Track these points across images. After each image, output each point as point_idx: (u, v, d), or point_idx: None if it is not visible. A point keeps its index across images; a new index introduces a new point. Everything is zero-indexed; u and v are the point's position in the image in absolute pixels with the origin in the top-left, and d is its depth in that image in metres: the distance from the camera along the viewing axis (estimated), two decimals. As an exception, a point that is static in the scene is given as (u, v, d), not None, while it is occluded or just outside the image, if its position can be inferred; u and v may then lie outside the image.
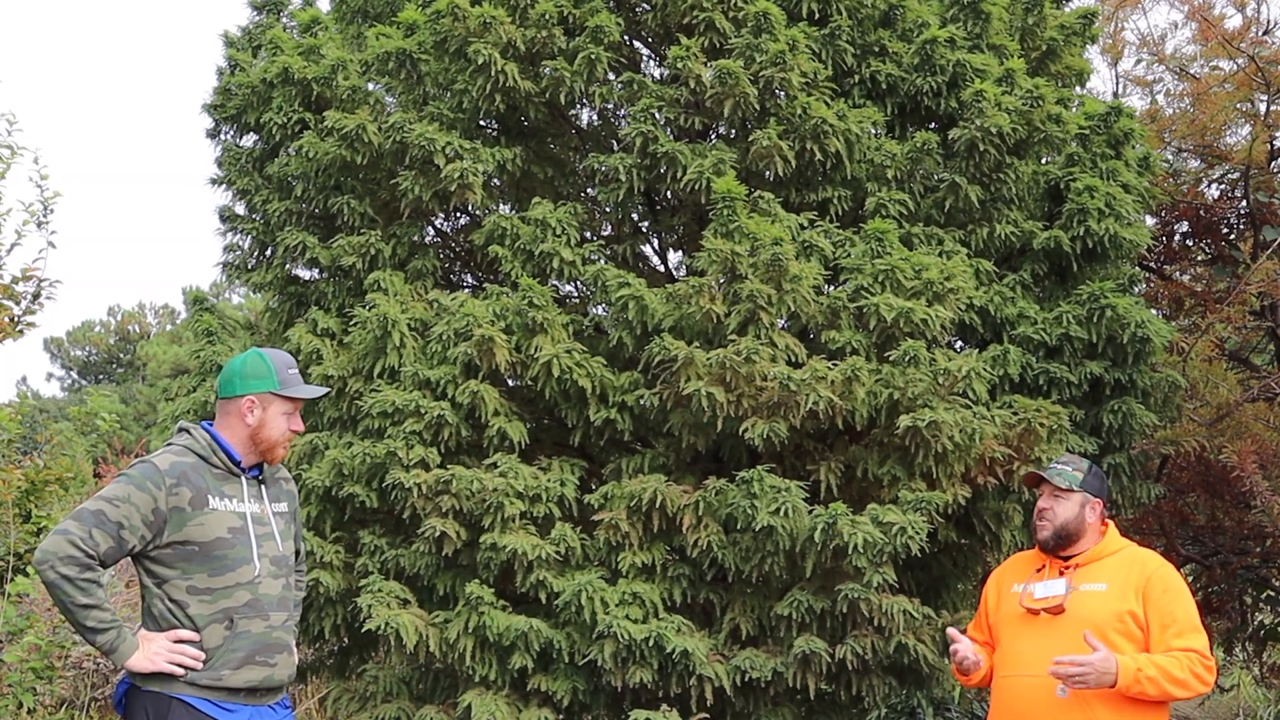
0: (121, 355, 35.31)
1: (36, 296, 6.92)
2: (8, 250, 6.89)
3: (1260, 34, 7.92)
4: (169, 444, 3.37)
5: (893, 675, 5.74)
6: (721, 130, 6.30)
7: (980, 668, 3.96)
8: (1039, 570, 3.96)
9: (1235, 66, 7.59)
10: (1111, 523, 4.05)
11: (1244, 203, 7.72)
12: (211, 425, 3.43)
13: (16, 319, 6.82)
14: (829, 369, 5.32)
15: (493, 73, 5.86)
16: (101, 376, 35.65)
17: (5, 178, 6.97)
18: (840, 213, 6.04)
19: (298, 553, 3.71)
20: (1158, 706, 3.75)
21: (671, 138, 5.99)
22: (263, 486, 3.47)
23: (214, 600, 3.27)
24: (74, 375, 36.47)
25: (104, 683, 8.35)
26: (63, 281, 7.03)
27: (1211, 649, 8.42)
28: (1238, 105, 7.70)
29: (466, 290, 6.65)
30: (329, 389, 3.69)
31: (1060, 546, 3.92)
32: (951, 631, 4.05)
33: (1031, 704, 3.76)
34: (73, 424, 7.01)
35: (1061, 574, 3.90)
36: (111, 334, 35.70)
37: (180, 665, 3.25)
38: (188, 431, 3.40)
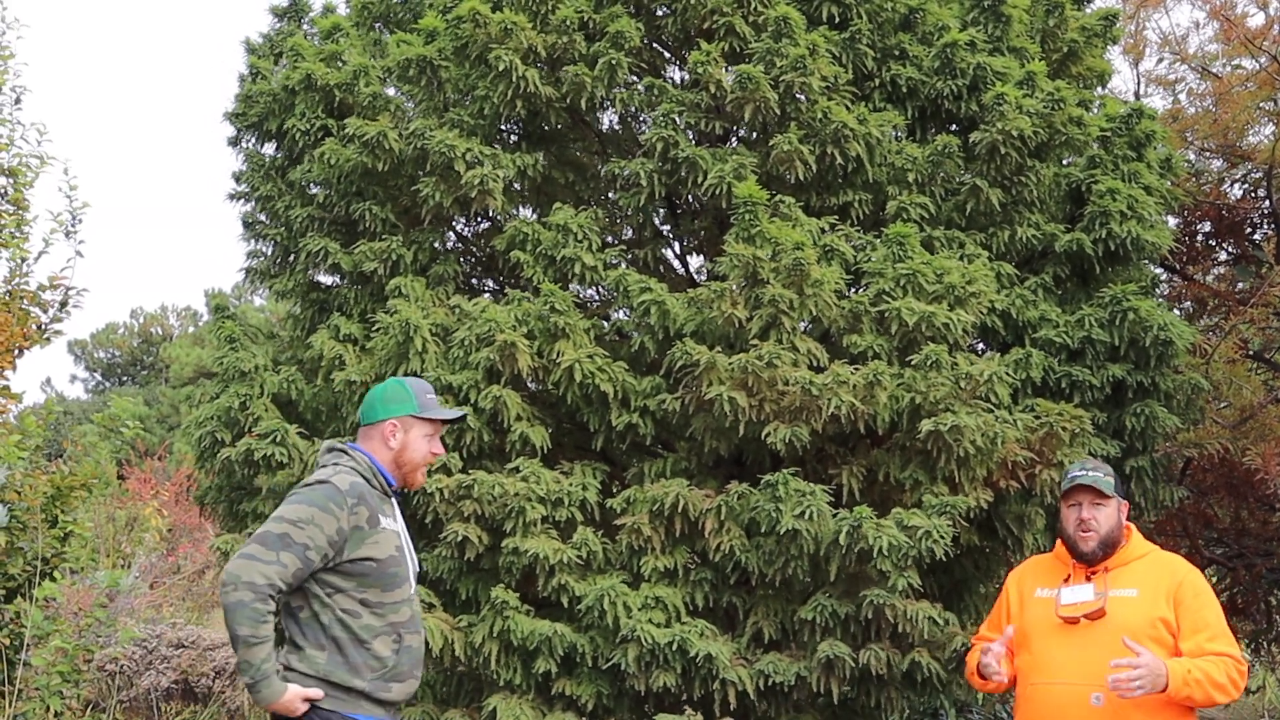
0: (144, 357, 35.50)
1: (64, 305, 6.97)
2: (35, 258, 6.94)
3: (1283, 33, 7.86)
4: (336, 463, 3.37)
5: (910, 688, 5.74)
6: (742, 134, 6.31)
7: (1003, 677, 3.90)
8: (1066, 579, 3.92)
9: (1258, 66, 7.54)
10: (1133, 525, 4.01)
11: (1267, 202, 7.68)
12: (358, 446, 3.47)
13: (44, 326, 6.87)
14: (851, 373, 5.32)
15: (513, 78, 5.89)
16: (125, 378, 35.86)
17: (33, 186, 7.02)
18: (861, 216, 6.04)
19: None
20: (1188, 713, 3.73)
21: (692, 142, 6.00)
22: (398, 507, 3.55)
23: (384, 614, 3.32)
24: (98, 377, 36.68)
25: (128, 685, 8.42)
26: (89, 290, 7.07)
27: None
28: (1260, 104, 7.65)
29: (488, 295, 6.67)
30: (467, 410, 3.71)
31: (1106, 556, 3.87)
32: (993, 648, 3.88)
33: (1067, 711, 3.72)
34: (96, 428, 7.04)
35: (1088, 579, 3.87)
36: (134, 336, 35.90)
37: (310, 699, 3.27)
38: (345, 452, 3.41)
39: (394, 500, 3.47)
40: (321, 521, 3.19)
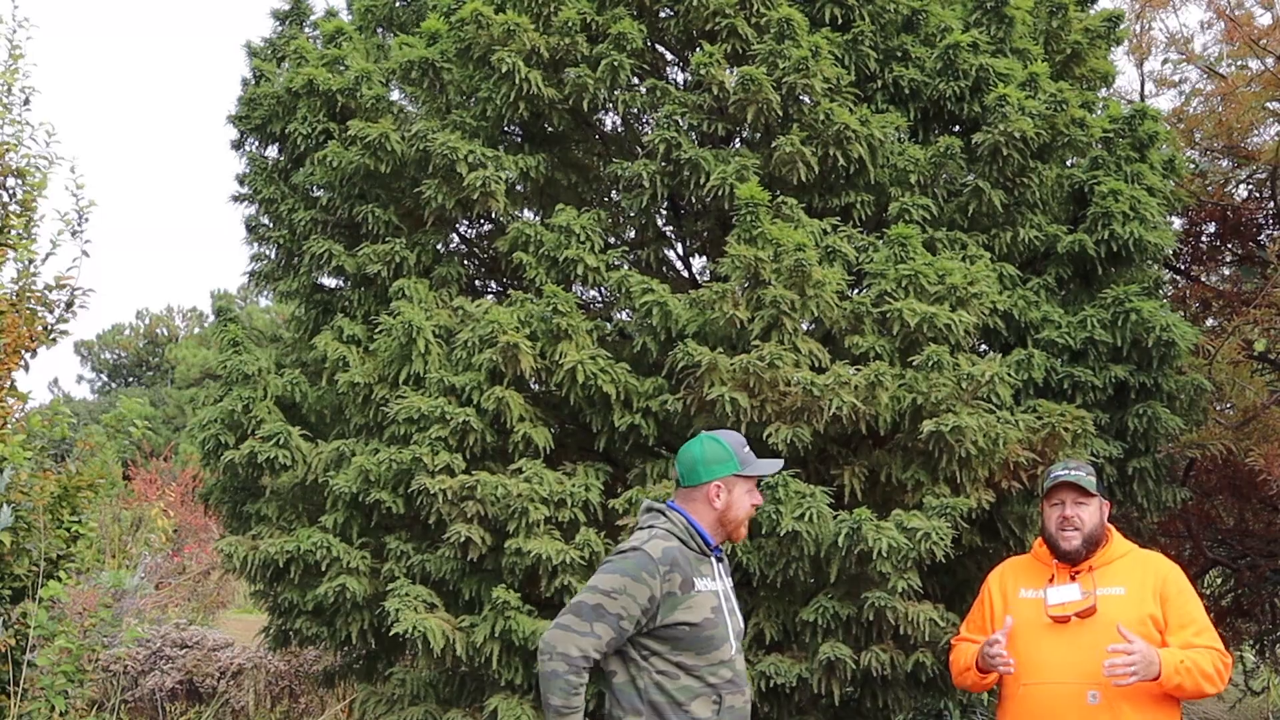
0: (150, 359, 35.62)
1: (70, 305, 7.00)
2: (43, 259, 6.97)
3: (1288, 33, 7.83)
4: (651, 526, 3.39)
5: (914, 689, 5.74)
6: (744, 136, 6.31)
7: (1011, 666, 3.87)
8: (1050, 579, 3.93)
9: (1263, 66, 7.53)
10: (1112, 526, 4.04)
11: (1272, 203, 7.67)
12: (677, 506, 3.45)
13: (50, 327, 6.90)
14: (852, 374, 5.32)
15: (516, 80, 5.90)
16: (131, 379, 35.97)
17: (45, 187, 7.05)
18: (863, 218, 6.05)
19: None
20: (1175, 707, 3.77)
21: (695, 144, 6.01)
22: (720, 564, 3.54)
23: (702, 676, 3.31)
24: (104, 378, 36.82)
25: (133, 685, 8.45)
26: (95, 290, 7.09)
27: (1241, 652, 8.42)
28: (1266, 104, 7.64)
29: (491, 297, 6.69)
30: (784, 461, 3.69)
31: (1089, 555, 3.90)
32: (998, 638, 3.83)
33: (1060, 711, 3.74)
34: (103, 428, 7.08)
35: (1072, 579, 3.89)
36: (140, 337, 36.02)
37: None
38: (662, 514, 3.42)
39: (714, 559, 3.44)
40: (634, 591, 3.21)
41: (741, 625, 3.51)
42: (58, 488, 6.58)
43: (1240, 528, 7.61)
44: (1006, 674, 3.83)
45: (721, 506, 3.42)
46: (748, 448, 3.50)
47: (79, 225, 7.05)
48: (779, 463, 3.57)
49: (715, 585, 3.38)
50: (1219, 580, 8.40)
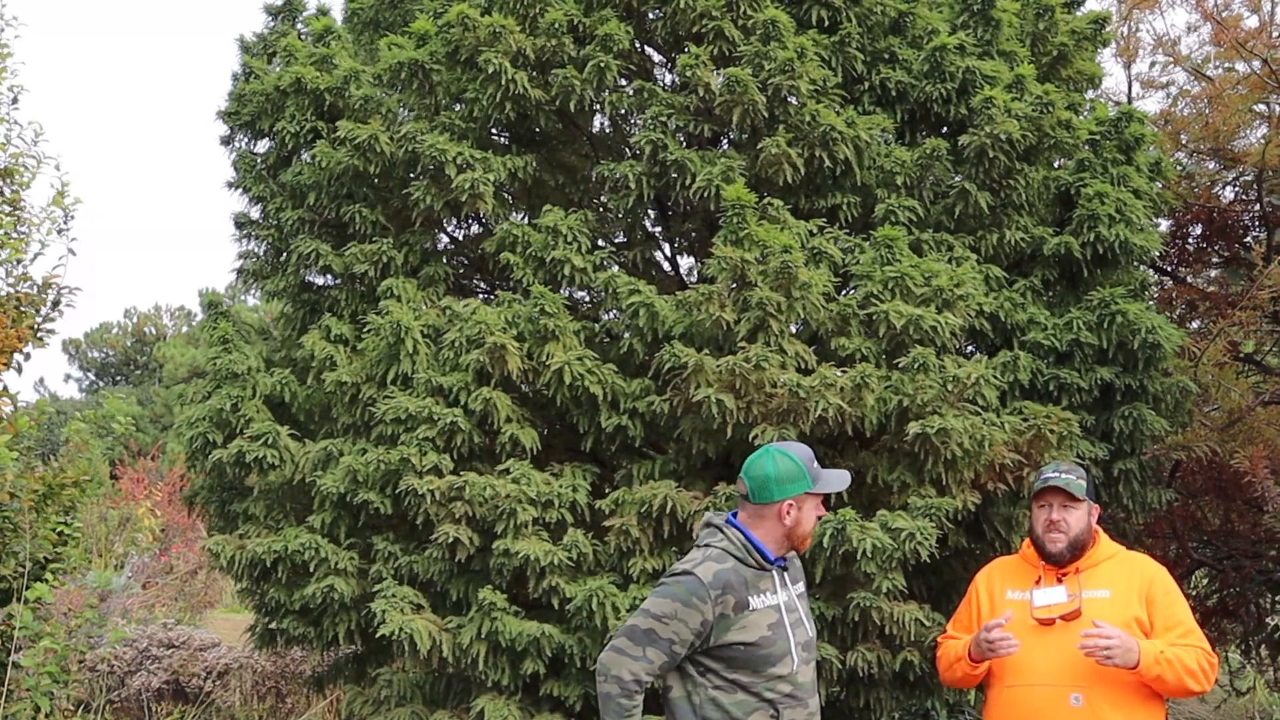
0: (138, 357, 35.51)
1: (56, 304, 6.99)
2: (31, 259, 6.95)
3: (1275, 36, 7.86)
4: (706, 545, 3.40)
5: (900, 689, 5.75)
6: (731, 137, 6.32)
7: (1014, 646, 3.86)
8: (1037, 580, 3.95)
9: (1249, 69, 7.55)
10: (1100, 528, 4.06)
11: (1258, 205, 7.69)
12: (738, 521, 3.45)
13: (37, 326, 6.88)
14: (838, 376, 5.33)
15: (503, 81, 5.91)
16: (119, 378, 35.85)
17: (30, 187, 7.04)
18: (850, 219, 6.06)
19: None
20: (1161, 710, 3.78)
21: (681, 145, 6.01)
22: (785, 573, 3.53)
23: (759, 692, 3.32)
24: (91, 377, 36.69)
25: (119, 685, 8.43)
26: (82, 289, 7.08)
27: (1227, 652, 8.45)
28: (1252, 107, 7.66)
29: (479, 297, 6.68)
30: (850, 476, 3.68)
31: (1075, 558, 3.91)
32: (999, 623, 3.81)
33: (1044, 712, 3.76)
34: (88, 426, 7.07)
35: (1059, 581, 3.91)
36: (128, 336, 35.91)
37: None
38: (720, 531, 3.43)
39: (775, 570, 3.44)
40: (685, 616, 3.24)
41: (810, 634, 3.50)
42: (42, 485, 6.56)
43: (1225, 529, 7.63)
44: (1009, 655, 3.80)
45: (791, 523, 3.43)
46: (815, 461, 3.51)
47: (65, 223, 7.05)
48: (847, 477, 3.56)
49: (774, 599, 3.38)
50: (1204, 581, 8.41)
